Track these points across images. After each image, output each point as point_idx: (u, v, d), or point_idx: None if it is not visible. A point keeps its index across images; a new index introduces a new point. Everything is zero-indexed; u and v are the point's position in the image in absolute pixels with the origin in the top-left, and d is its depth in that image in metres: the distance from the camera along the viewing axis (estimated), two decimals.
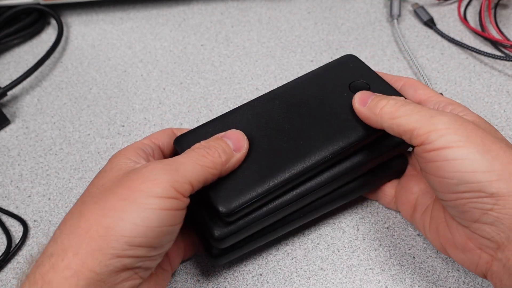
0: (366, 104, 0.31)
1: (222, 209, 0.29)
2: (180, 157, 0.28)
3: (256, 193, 0.30)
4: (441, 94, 0.36)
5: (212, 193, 0.30)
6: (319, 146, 0.31)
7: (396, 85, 0.34)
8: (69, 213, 0.26)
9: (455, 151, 0.26)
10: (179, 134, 0.33)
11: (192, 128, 0.34)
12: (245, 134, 0.31)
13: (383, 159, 0.34)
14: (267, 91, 0.45)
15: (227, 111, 0.35)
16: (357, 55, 0.47)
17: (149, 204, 0.24)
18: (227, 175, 0.30)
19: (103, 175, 0.28)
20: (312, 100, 0.34)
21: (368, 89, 0.34)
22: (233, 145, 0.30)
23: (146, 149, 0.30)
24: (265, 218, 0.31)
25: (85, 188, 0.28)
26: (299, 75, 0.46)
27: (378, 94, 0.32)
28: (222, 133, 0.31)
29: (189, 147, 0.30)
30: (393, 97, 0.31)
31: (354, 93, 0.33)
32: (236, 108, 0.35)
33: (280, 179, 0.30)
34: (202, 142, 0.30)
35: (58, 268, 0.23)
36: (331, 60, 0.37)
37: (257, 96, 0.35)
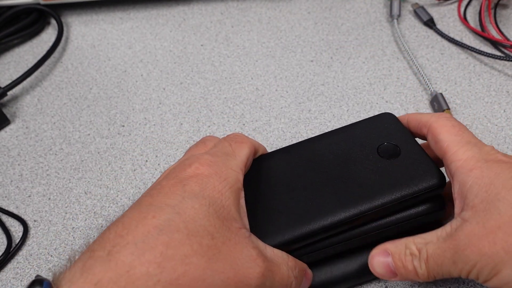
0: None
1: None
2: (274, 255, 0.26)
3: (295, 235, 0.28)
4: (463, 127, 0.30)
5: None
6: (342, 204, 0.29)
7: (422, 131, 0.30)
8: (168, 244, 0.22)
9: None
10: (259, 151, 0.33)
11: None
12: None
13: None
14: (267, 91, 0.45)
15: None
16: (357, 55, 0.48)
17: None
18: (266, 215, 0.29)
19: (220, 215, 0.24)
20: (338, 159, 0.32)
21: (399, 153, 0.31)
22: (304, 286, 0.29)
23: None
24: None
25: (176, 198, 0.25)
26: (299, 75, 0.46)
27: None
28: (306, 270, 0.29)
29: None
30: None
31: (382, 156, 0.31)
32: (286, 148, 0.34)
33: (313, 227, 0.28)
34: (296, 270, 0.27)
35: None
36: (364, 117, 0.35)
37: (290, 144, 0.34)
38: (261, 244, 0.26)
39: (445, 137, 0.28)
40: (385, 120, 0.33)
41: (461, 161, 0.26)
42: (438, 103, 0.41)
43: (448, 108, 0.41)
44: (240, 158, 0.29)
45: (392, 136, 0.32)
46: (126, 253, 0.22)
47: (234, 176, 0.27)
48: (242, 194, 0.28)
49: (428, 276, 0.26)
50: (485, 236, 0.23)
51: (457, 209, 0.26)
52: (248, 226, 0.27)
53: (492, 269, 0.23)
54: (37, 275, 0.22)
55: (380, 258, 0.27)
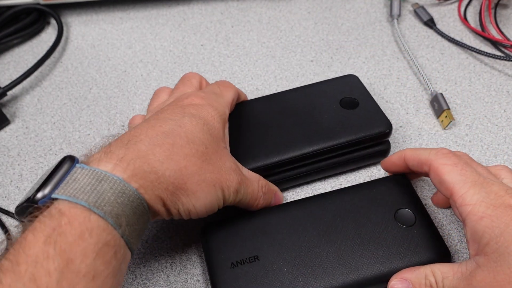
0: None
1: None
2: (249, 174, 0.33)
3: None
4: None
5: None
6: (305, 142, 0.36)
7: (423, 169, 0.31)
8: (173, 144, 0.28)
9: None
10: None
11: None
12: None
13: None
14: (267, 91, 0.45)
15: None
16: (357, 55, 0.48)
17: (220, 201, 0.30)
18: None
19: (211, 133, 0.31)
20: (307, 107, 0.38)
21: (357, 105, 0.38)
22: (274, 203, 0.35)
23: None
24: None
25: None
26: (299, 75, 0.46)
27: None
28: (277, 192, 0.35)
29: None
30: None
31: (343, 106, 0.38)
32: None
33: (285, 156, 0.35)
34: (265, 187, 0.34)
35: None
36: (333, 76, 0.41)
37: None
38: (239, 164, 0.32)
39: (450, 177, 0.28)
40: (349, 80, 0.40)
41: (470, 206, 0.27)
42: (438, 103, 0.41)
43: (448, 108, 0.41)
44: (227, 97, 0.35)
45: (353, 92, 0.39)
46: (141, 145, 0.27)
47: (222, 108, 0.33)
48: (227, 125, 0.34)
49: None
50: None
51: (471, 250, 0.28)
52: (229, 150, 0.33)
53: None
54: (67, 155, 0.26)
55: (399, 285, 0.29)
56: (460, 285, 0.27)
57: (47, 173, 0.26)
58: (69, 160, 0.26)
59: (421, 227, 0.32)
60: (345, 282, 0.30)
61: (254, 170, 0.34)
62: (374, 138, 0.36)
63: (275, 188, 0.35)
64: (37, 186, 0.25)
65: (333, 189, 0.37)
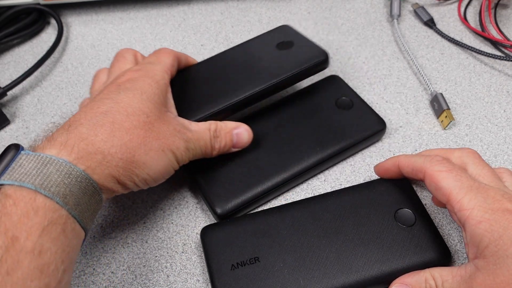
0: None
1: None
2: (198, 127, 0.34)
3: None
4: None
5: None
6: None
7: (418, 176, 0.31)
8: (113, 121, 0.29)
9: None
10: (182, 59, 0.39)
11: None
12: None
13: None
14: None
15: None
16: (357, 55, 0.48)
17: (174, 162, 0.32)
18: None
19: (153, 101, 0.31)
20: (244, 59, 0.41)
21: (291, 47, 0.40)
22: (236, 143, 0.36)
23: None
24: (260, 202, 0.36)
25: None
26: None
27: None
28: (237, 127, 0.36)
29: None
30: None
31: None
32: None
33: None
34: (217, 131, 0.35)
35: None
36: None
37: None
38: (186, 122, 0.33)
39: (445, 184, 0.29)
40: (283, 29, 0.43)
41: (468, 211, 0.27)
42: (438, 103, 0.41)
43: (448, 108, 0.41)
44: (164, 63, 0.35)
45: (288, 36, 0.41)
46: (82, 128, 0.28)
47: (160, 74, 0.34)
48: (169, 89, 0.35)
49: None
50: None
51: (470, 254, 0.28)
52: (175, 113, 0.34)
53: None
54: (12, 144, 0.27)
55: None
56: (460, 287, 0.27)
57: None
58: (14, 148, 0.26)
59: (421, 227, 0.32)
60: (346, 282, 0.30)
61: (206, 118, 0.36)
62: (312, 68, 0.39)
63: (232, 126, 0.36)
64: None
65: (333, 189, 0.37)
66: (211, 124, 0.34)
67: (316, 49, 0.39)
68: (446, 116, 0.41)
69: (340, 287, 0.30)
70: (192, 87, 0.39)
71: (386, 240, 0.32)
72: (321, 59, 0.38)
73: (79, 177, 0.26)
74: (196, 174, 0.37)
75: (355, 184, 0.36)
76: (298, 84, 0.45)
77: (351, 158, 0.39)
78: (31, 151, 0.27)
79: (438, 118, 0.42)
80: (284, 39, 0.41)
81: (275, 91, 0.38)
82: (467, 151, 0.32)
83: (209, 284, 0.33)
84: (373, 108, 0.41)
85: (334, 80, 0.42)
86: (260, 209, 0.36)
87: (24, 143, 0.42)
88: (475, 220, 0.27)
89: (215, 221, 0.35)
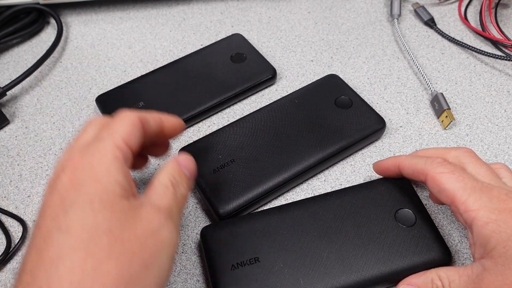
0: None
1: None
2: (159, 199, 0.26)
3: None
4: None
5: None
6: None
7: (420, 178, 0.31)
8: (72, 269, 0.21)
9: None
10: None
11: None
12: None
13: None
14: (267, 90, 0.45)
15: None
16: (357, 55, 0.48)
17: (169, 268, 0.24)
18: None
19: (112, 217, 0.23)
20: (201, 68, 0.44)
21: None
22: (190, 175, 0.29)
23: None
24: (261, 203, 0.36)
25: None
26: (299, 75, 0.46)
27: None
28: (176, 160, 0.29)
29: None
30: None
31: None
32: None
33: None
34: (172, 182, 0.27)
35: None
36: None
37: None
38: (150, 203, 0.25)
39: (449, 185, 0.29)
40: (235, 38, 0.47)
41: (474, 212, 0.27)
42: (438, 103, 0.41)
43: (449, 108, 0.41)
44: (112, 138, 0.26)
45: (240, 48, 0.46)
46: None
47: (105, 165, 0.24)
48: (123, 167, 0.25)
49: None
50: None
51: (477, 254, 0.28)
52: (135, 191, 0.25)
53: None
54: None
55: None
56: (468, 287, 0.27)
57: None
58: None
59: (421, 227, 0.32)
60: (346, 282, 0.30)
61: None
62: (262, 83, 0.44)
63: (172, 164, 0.28)
64: None
65: (333, 189, 0.37)
66: (164, 179, 0.27)
67: (266, 65, 0.44)
68: (446, 116, 0.40)
69: (340, 287, 0.30)
70: (147, 98, 0.42)
71: (387, 240, 0.32)
72: (269, 76, 0.44)
73: None
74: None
75: (355, 184, 0.36)
76: (297, 83, 0.45)
77: (351, 158, 0.39)
78: None
79: (438, 118, 0.42)
80: (237, 50, 0.45)
81: (225, 104, 0.43)
82: (463, 150, 0.32)
83: (209, 285, 0.33)
84: (373, 107, 0.41)
85: (333, 79, 0.43)
86: (260, 209, 0.36)
87: (23, 143, 0.42)
88: (482, 221, 0.27)
89: (215, 221, 0.35)
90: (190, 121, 0.41)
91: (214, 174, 0.36)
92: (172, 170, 0.28)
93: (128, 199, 0.24)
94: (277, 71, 0.46)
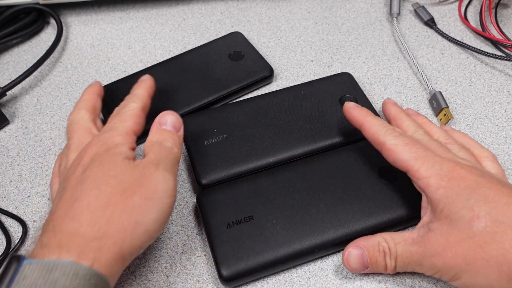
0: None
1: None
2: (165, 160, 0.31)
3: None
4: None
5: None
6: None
7: (376, 146, 0.34)
8: (89, 203, 0.27)
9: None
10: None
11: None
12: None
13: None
14: (266, 90, 0.45)
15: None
16: (357, 55, 0.47)
17: (167, 202, 0.29)
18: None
19: (112, 168, 0.29)
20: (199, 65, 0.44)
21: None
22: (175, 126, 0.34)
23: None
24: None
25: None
26: (299, 75, 0.46)
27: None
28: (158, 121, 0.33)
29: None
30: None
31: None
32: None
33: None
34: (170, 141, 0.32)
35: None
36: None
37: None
38: (145, 160, 0.30)
39: (402, 156, 0.31)
40: (235, 36, 0.47)
41: (426, 179, 0.30)
42: (436, 102, 0.41)
43: (447, 106, 0.41)
44: (123, 126, 0.32)
45: (238, 46, 0.46)
46: (67, 225, 0.27)
47: (118, 141, 0.31)
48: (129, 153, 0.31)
49: (394, 270, 0.31)
50: (449, 248, 0.28)
51: (426, 217, 0.30)
52: (135, 157, 0.31)
53: (454, 275, 0.28)
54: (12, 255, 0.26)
55: (355, 251, 0.31)
56: (413, 248, 0.30)
57: None
58: (15, 260, 0.25)
59: (403, 182, 0.34)
60: (334, 235, 0.33)
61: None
62: (259, 81, 0.44)
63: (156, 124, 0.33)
64: None
65: (321, 180, 0.37)
66: (149, 141, 0.32)
67: (263, 64, 0.44)
68: (444, 114, 0.40)
69: (330, 240, 0.32)
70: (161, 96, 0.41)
71: (372, 195, 0.34)
72: (266, 75, 0.44)
73: (87, 275, 0.25)
74: (189, 147, 0.38)
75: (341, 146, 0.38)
76: (306, 75, 0.46)
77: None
78: (31, 255, 0.26)
79: (436, 116, 0.42)
80: (236, 48, 0.46)
81: (221, 101, 0.43)
82: (420, 119, 0.37)
83: (209, 285, 0.33)
84: (373, 107, 0.41)
85: (345, 77, 0.43)
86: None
87: (23, 143, 0.42)
88: (434, 186, 0.29)
89: (196, 190, 0.38)
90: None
91: (205, 145, 0.38)
92: (153, 132, 0.33)
93: (129, 160, 0.30)
94: (276, 70, 0.46)
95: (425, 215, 0.31)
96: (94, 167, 0.29)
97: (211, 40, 0.48)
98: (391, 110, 0.38)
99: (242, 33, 0.48)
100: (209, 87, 0.43)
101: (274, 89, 0.45)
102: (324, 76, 0.44)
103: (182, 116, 0.34)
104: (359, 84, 0.43)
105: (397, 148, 0.31)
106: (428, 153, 0.31)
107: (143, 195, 0.28)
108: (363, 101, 0.41)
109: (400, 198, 0.34)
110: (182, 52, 0.48)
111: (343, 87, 0.42)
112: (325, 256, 0.34)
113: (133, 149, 0.32)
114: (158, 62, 0.47)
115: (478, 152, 0.34)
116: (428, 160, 0.30)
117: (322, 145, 0.38)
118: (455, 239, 0.28)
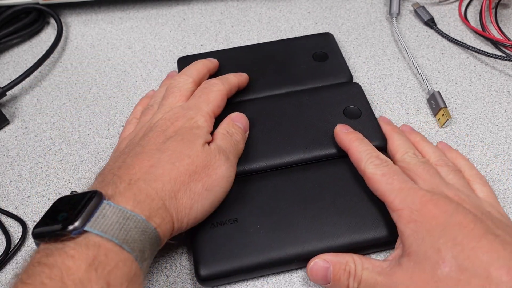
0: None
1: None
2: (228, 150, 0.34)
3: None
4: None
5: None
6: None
7: (359, 171, 0.34)
8: (162, 174, 0.30)
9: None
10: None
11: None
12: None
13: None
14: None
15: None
16: (357, 55, 0.48)
17: (221, 195, 0.32)
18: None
19: (197, 159, 0.32)
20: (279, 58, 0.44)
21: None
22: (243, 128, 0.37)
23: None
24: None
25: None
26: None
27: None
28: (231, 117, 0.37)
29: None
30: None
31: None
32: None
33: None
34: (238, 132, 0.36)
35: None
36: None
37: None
38: (219, 154, 0.33)
39: (380, 186, 0.32)
40: (324, 36, 0.47)
41: (399, 212, 0.30)
42: (435, 101, 0.41)
43: (445, 106, 0.40)
44: (206, 111, 0.35)
45: (324, 47, 0.45)
46: (142, 184, 0.29)
47: (200, 123, 0.34)
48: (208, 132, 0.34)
49: None
50: (410, 287, 0.28)
51: (398, 251, 0.30)
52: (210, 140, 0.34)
53: None
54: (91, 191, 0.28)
55: (321, 263, 0.31)
56: (379, 278, 0.29)
57: (73, 203, 0.27)
58: (98, 196, 0.27)
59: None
60: (316, 248, 0.32)
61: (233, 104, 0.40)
62: (335, 87, 0.42)
63: (227, 120, 0.37)
64: (63, 215, 0.26)
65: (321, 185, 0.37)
66: (222, 129, 0.35)
67: (344, 70, 0.43)
68: (443, 114, 0.40)
69: (311, 251, 0.32)
70: (222, 71, 0.42)
71: (360, 212, 0.34)
72: (344, 81, 0.43)
73: (152, 234, 0.28)
74: None
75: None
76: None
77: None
78: (110, 198, 0.28)
79: (435, 116, 0.42)
80: (321, 49, 0.45)
81: (291, 95, 0.41)
82: (413, 150, 0.36)
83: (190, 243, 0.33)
84: (376, 120, 0.39)
85: (353, 87, 0.41)
86: None
87: (23, 143, 0.42)
88: (405, 219, 0.29)
89: None
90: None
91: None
92: (226, 124, 0.36)
93: (205, 144, 0.33)
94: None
95: (398, 247, 0.30)
96: (175, 141, 0.32)
97: (211, 42, 0.48)
98: (384, 129, 0.38)
99: (243, 34, 0.48)
100: (283, 80, 0.43)
101: None
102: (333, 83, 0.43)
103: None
104: (359, 83, 0.43)
105: (375, 177, 0.32)
106: (404, 185, 0.31)
107: (205, 184, 0.31)
108: (368, 114, 0.39)
109: (389, 220, 0.32)
110: (182, 55, 0.47)
111: (349, 97, 0.40)
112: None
113: (210, 132, 0.34)
114: (166, 64, 0.47)
115: (468, 175, 0.34)
116: (402, 192, 0.30)
117: (318, 154, 0.37)
118: (419, 280, 0.27)
